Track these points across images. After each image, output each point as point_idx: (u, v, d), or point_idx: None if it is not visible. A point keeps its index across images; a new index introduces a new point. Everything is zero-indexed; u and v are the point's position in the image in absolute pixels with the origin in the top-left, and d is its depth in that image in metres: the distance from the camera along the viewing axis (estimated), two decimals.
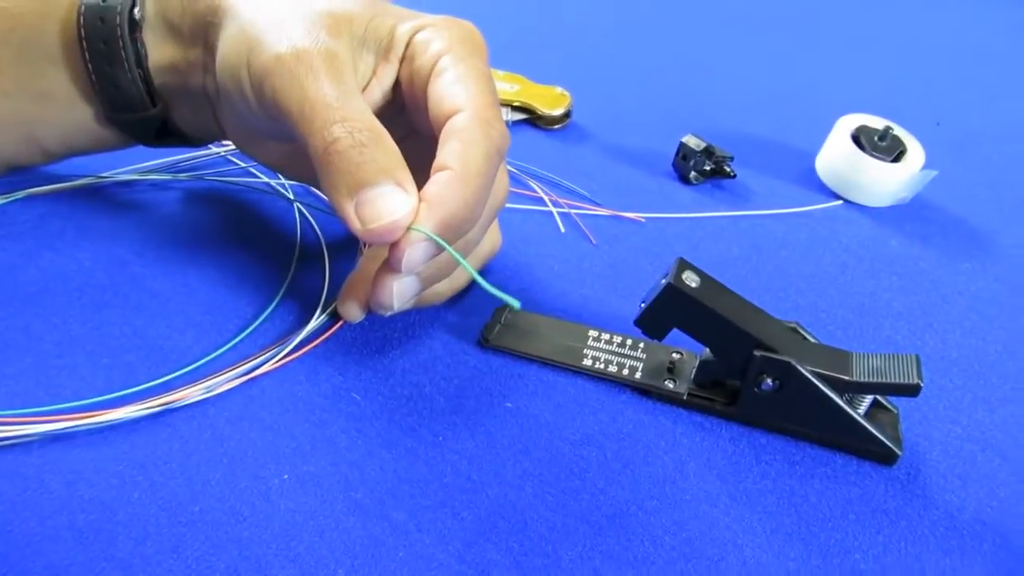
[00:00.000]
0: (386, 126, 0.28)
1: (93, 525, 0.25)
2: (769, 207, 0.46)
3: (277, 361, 0.31)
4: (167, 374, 0.30)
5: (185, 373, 0.31)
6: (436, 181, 0.27)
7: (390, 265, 0.28)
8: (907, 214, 0.46)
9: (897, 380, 0.28)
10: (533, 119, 0.52)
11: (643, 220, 0.43)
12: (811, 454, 0.30)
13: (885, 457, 0.30)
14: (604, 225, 0.43)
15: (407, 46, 0.32)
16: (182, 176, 0.43)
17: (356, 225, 0.26)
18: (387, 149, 0.27)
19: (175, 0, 0.33)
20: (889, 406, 0.31)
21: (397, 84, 0.32)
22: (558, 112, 0.52)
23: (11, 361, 0.30)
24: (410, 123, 0.33)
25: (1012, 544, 0.28)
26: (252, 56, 0.29)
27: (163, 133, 0.36)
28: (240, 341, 0.32)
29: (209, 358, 0.31)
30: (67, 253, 0.36)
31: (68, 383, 0.30)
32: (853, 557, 0.27)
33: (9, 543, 0.24)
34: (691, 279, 0.29)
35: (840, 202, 0.47)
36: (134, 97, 0.34)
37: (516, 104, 0.52)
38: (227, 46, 0.30)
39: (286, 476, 0.27)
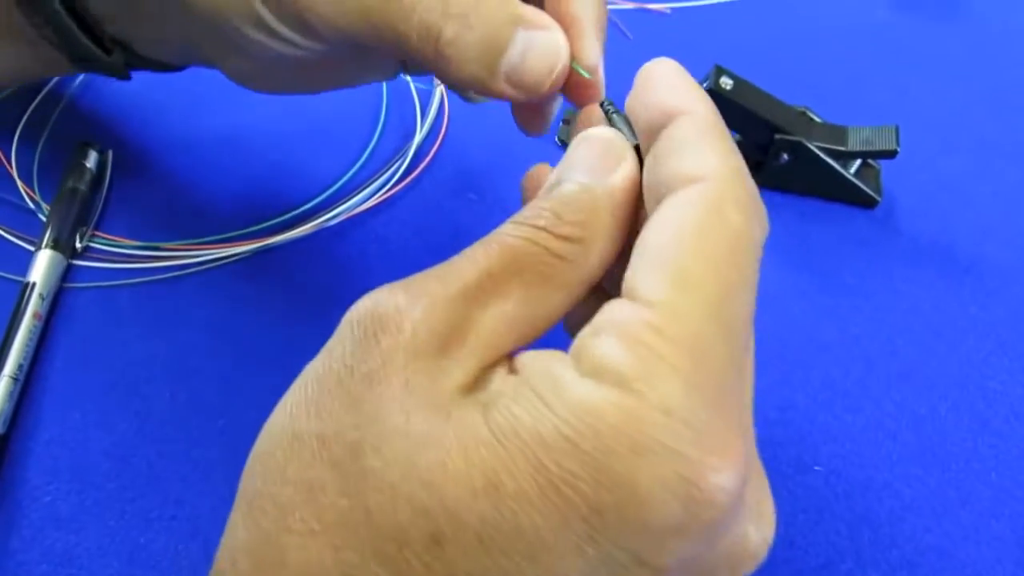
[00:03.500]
0: None
1: (319, 295, 0.35)
2: None
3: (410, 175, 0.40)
4: (318, 195, 0.39)
5: (333, 192, 0.39)
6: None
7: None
8: None
9: (881, 147, 0.37)
10: None
11: (668, 11, 0.49)
12: (814, 206, 0.40)
13: (868, 202, 0.40)
14: (633, 18, 0.49)
15: None
16: None
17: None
18: None
19: None
20: (873, 164, 0.41)
21: None
22: None
23: (198, 199, 0.39)
24: None
25: (956, 257, 0.39)
26: None
27: None
28: (366, 161, 0.41)
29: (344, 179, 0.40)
30: (201, 120, 0.43)
31: (239, 213, 0.39)
32: (843, 275, 0.38)
33: (271, 315, 0.35)
34: (726, 83, 0.37)
35: None
36: None
37: None
38: None
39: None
